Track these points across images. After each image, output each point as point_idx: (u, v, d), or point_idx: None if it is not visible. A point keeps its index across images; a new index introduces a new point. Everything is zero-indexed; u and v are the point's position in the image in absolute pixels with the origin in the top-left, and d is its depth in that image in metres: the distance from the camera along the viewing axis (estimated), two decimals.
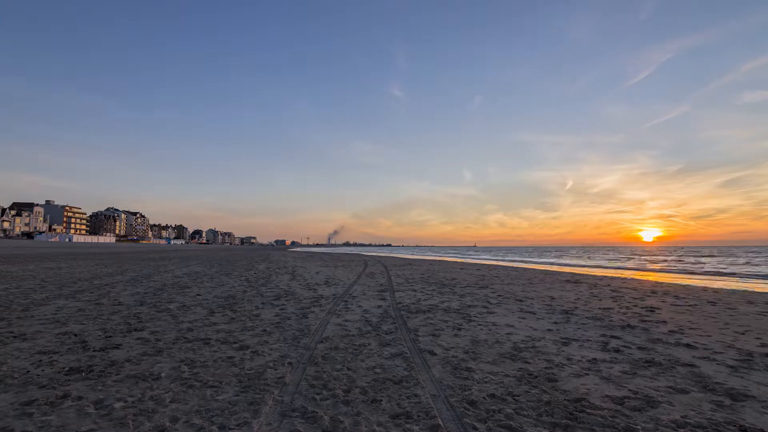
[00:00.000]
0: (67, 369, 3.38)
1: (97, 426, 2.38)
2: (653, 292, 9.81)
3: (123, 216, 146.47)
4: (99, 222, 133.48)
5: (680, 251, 71.42)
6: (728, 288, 11.47)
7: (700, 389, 3.13)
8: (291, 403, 2.77)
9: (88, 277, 11.41)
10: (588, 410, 2.69)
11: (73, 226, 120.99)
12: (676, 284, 12.31)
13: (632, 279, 14.22)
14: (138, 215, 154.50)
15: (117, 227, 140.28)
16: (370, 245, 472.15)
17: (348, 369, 3.51)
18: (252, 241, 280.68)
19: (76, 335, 4.57)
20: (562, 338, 4.78)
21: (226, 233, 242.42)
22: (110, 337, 4.53)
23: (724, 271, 20.53)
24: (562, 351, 4.20)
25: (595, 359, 3.90)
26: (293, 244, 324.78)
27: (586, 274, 16.38)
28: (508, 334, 4.99)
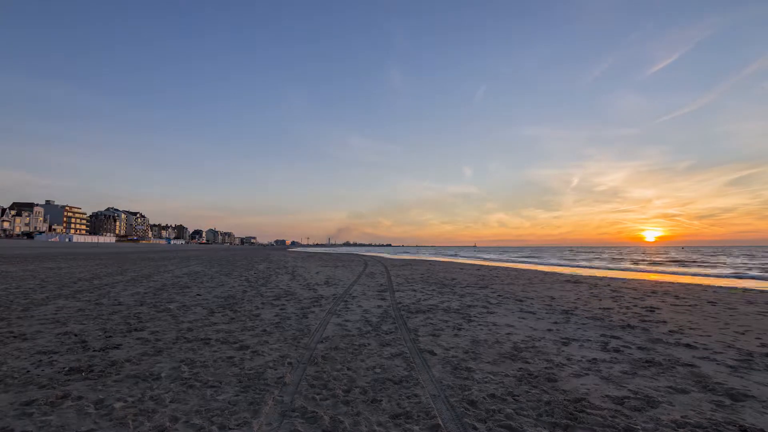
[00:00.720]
0: (67, 369, 3.39)
1: (97, 426, 2.38)
2: (653, 292, 9.82)
3: (123, 216, 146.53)
4: (99, 222, 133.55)
5: (680, 252, 71.37)
6: (728, 288, 11.47)
7: (700, 389, 3.14)
8: (291, 403, 2.77)
9: (88, 277, 11.41)
10: (588, 410, 2.69)
11: (73, 226, 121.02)
12: (676, 284, 12.32)
13: (632, 279, 14.24)
14: (138, 215, 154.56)
15: (117, 227, 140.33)
16: (370, 245, 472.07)
17: (348, 369, 3.52)
18: (252, 241, 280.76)
19: (76, 335, 4.57)
20: (562, 338, 4.78)
21: (226, 233, 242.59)
22: (110, 337, 4.54)
23: (724, 271, 20.53)
24: (562, 351, 4.21)
25: (595, 359, 3.90)
26: (293, 244, 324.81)
27: (586, 275, 16.39)
28: (508, 334, 5.00)
